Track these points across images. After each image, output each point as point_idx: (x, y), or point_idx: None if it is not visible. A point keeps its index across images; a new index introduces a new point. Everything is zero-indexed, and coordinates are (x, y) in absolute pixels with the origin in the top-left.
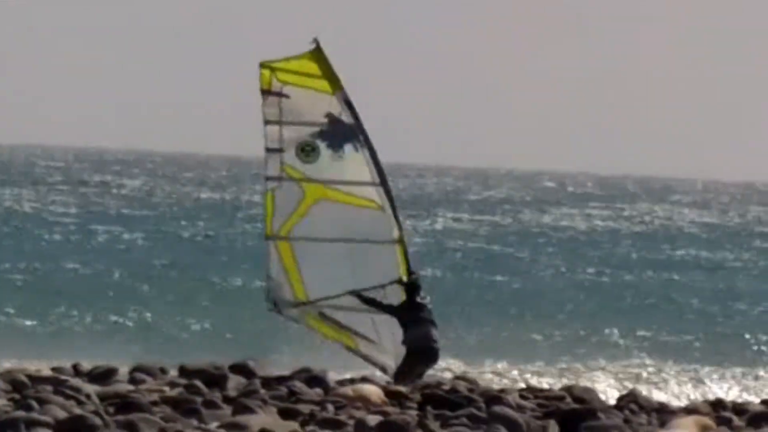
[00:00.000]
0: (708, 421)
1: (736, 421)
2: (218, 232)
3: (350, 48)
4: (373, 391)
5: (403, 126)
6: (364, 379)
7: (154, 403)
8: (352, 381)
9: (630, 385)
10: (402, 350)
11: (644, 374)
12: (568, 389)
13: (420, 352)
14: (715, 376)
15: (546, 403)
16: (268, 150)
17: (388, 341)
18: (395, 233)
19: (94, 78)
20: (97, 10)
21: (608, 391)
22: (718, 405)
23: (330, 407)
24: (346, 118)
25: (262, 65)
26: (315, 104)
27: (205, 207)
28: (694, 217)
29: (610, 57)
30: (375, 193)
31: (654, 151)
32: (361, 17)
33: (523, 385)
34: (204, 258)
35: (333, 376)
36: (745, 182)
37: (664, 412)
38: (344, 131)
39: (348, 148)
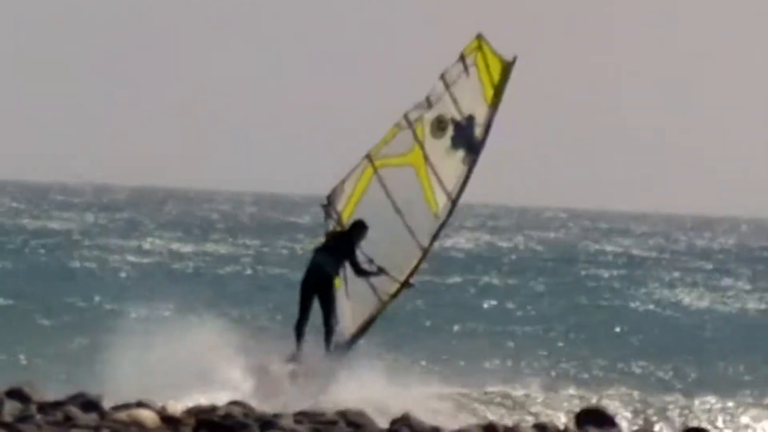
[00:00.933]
0: None
1: None
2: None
3: None
4: (147, 416)
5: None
6: (140, 404)
7: None
8: (127, 406)
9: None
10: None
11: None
12: (342, 414)
13: None
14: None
15: (320, 427)
16: (427, 99)
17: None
18: (426, 242)
19: None
20: None
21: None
22: (490, 428)
23: None
24: (479, 132)
25: (478, 36)
26: (474, 100)
27: None
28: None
29: None
30: (443, 203)
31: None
32: None
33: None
34: None
35: (108, 401)
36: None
37: None
38: (469, 139)
39: (460, 153)
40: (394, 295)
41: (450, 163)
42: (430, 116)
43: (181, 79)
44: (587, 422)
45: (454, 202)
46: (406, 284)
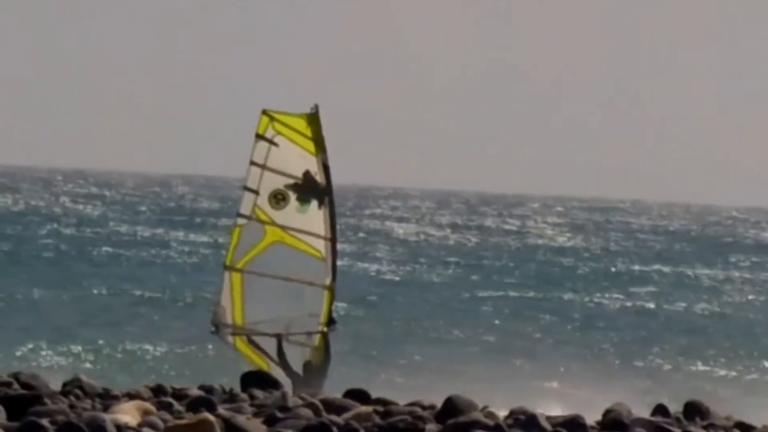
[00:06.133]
0: (149, 405)
1: (176, 405)
2: None
3: None
4: None
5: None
6: None
7: None
8: None
9: None
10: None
11: None
12: (15, 375)
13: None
14: None
15: None
16: (246, 189)
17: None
18: (327, 281)
19: None
20: None
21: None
22: (158, 390)
23: None
24: (320, 179)
25: (264, 112)
26: (298, 160)
27: None
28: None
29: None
30: (323, 246)
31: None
32: None
33: None
34: None
35: None
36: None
37: (107, 398)
38: (314, 189)
39: (313, 203)
40: (324, 336)
41: (308, 217)
42: (263, 199)
43: None
44: (251, 384)
45: (333, 240)
46: (330, 323)
